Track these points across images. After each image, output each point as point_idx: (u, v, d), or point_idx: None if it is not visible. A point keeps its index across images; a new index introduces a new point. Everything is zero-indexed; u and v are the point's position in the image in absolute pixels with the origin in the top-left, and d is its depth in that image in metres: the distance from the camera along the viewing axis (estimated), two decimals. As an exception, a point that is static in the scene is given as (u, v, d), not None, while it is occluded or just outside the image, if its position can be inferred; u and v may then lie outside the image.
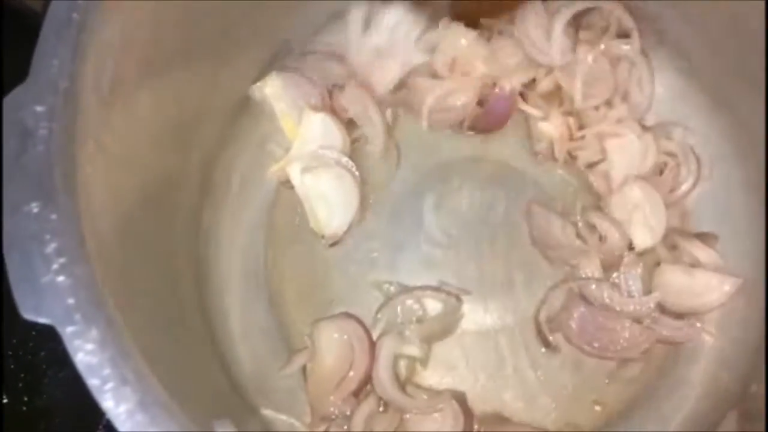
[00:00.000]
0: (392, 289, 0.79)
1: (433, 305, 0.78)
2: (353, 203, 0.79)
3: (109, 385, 0.43)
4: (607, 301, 0.75)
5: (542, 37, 0.77)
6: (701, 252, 0.76)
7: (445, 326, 0.78)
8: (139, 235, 0.63)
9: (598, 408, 0.76)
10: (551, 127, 0.78)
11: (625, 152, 0.77)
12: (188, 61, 0.68)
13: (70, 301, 0.45)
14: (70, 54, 0.52)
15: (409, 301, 0.77)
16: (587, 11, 0.78)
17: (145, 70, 0.61)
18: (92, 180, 0.52)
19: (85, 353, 0.43)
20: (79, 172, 0.51)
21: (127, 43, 0.58)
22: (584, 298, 0.75)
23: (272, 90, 0.80)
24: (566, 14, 0.75)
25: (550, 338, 0.75)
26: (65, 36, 0.53)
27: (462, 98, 0.79)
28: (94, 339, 0.44)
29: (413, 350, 0.76)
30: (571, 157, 0.80)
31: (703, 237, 0.78)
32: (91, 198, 0.52)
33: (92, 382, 0.43)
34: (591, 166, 0.79)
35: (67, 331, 0.44)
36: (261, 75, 0.83)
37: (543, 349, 0.77)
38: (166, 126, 0.68)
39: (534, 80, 0.79)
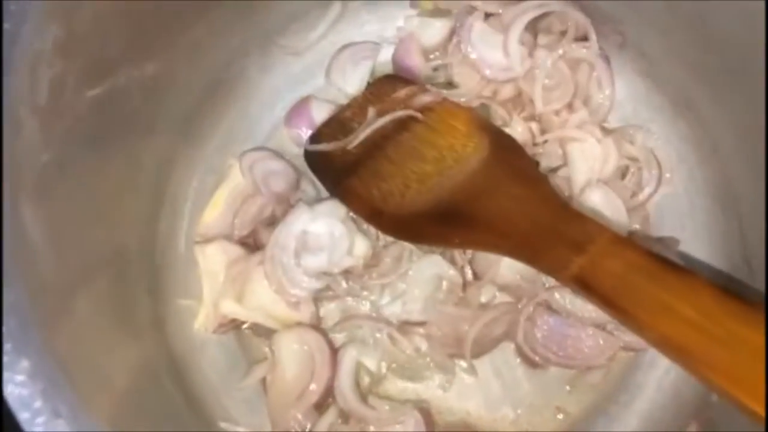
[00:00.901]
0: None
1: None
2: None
3: (41, 419, 0.41)
4: (569, 307, 0.74)
5: (499, 55, 0.77)
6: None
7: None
8: (85, 250, 0.61)
9: (560, 416, 0.75)
10: (514, 132, 0.77)
11: (586, 157, 0.76)
12: (135, 66, 0.66)
13: (-1, 329, 0.42)
14: (2, 66, 0.50)
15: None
16: (543, 15, 0.77)
17: (86, 77, 0.59)
18: (26, 195, 0.50)
19: (15, 385, 0.41)
20: (8, 187, 0.48)
21: (65, 51, 0.56)
22: (548, 307, 0.74)
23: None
24: (519, 25, 0.74)
25: (536, 358, 0.74)
26: (-4, 47, 0.50)
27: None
28: (24, 370, 0.42)
29: (373, 364, 0.75)
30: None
31: (664, 241, 0.77)
32: (23, 214, 0.49)
33: (23, 416, 0.41)
34: (553, 170, 0.78)
35: (-6, 363, 0.42)
36: (218, 80, 0.81)
37: (518, 360, 0.76)
38: (112, 132, 0.65)
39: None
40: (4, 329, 0.43)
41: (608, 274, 0.55)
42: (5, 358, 0.42)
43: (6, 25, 0.50)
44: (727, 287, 0.53)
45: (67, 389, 0.43)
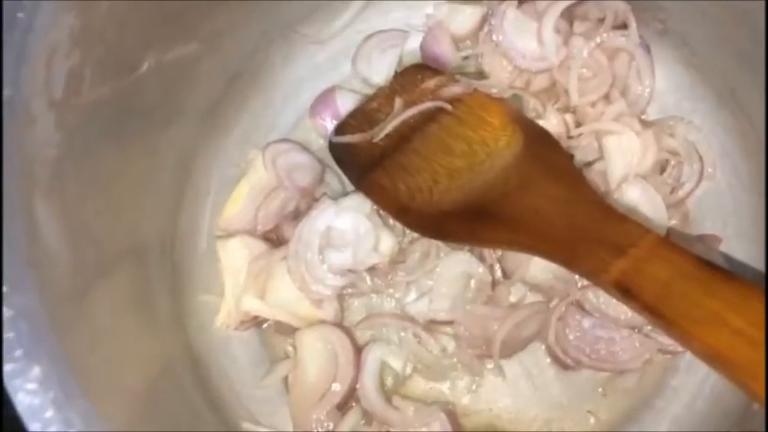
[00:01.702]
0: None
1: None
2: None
3: (52, 430, 0.39)
4: (603, 307, 0.71)
5: (533, 44, 0.73)
6: (703, 255, 0.72)
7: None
8: (102, 248, 0.59)
9: (592, 420, 0.73)
10: (548, 125, 0.74)
11: (623, 150, 0.72)
12: (154, 56, 0.64)
13: (10, 334, 0.41)
14: (15, 58, 0.48)
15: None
16: (580, 2, 0.73)
17: (104, 68, 0.57)
18: (39, 191, 0.48)
19: (26, 393, 0.39)
20: (21, 183, 0.47)
21: (82, 41, 0.54)
22: (581, 307, 0.71)
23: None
24: (555, 12, 0.71)
25: (568, 360, 0.71)
26: (9, 38, 0.48)
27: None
28: (35, 378, 0.40)
29: (398, 364, 0.73)
30: (570, 155, 0.76)
31: (706, 239, 0.74)
32: (37, 212, 0.47)
33: (33, 426, 0.39)
34: (588, 165, 0.74)
35: (6, 369, 0.40)
36: (240, 70, 0.79)
37: (548, 361, 0.74)
38: (131, 125, 0.63)
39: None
40: (14, 335, 0.41)
41: (652, 279, 0.52)
42: (16, 366, 0.40)
43: (20, 15, 0.48)
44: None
45: (81, 397, 0.42)
